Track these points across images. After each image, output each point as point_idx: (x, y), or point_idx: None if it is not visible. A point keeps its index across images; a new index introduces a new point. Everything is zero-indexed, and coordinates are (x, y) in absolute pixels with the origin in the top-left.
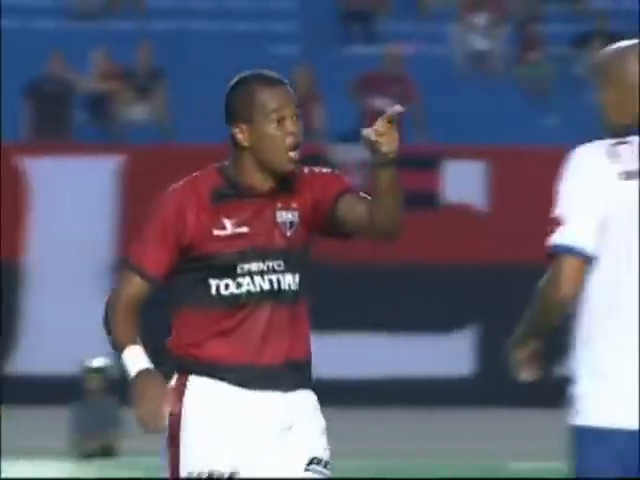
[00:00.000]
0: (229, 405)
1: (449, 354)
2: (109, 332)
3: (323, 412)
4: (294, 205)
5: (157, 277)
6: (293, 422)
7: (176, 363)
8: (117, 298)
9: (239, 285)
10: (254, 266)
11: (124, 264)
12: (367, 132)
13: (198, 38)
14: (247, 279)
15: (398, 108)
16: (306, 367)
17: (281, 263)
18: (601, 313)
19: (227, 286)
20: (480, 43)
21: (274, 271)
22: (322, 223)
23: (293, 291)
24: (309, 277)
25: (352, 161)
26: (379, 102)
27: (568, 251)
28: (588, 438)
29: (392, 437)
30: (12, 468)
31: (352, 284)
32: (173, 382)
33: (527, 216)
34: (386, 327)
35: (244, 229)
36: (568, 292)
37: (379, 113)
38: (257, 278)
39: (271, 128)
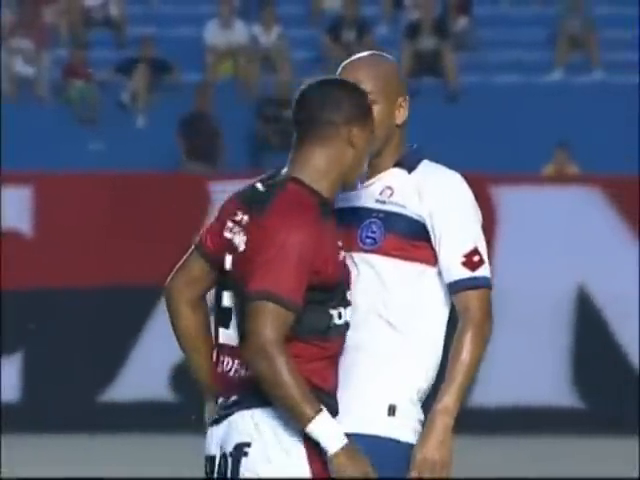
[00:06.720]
0: None
1: None
2: (275, 390)
3: None
4: None
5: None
6: None
7: None
8: (274, 344)
9: (343, 315)
10: (348, 294)
11: (260, 297)
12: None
13: None
14: (349, 309)
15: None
16: None
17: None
18: None
19: (340, 315)
20: (25, 68)
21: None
22: None
23: None
24: None
25: None
26: None
27: (489, 285)
28: None
29: None
30: None
31: None
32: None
33: (72, 241)
34: None
35: (342, 253)
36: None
37: None
38: (349, 308)
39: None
